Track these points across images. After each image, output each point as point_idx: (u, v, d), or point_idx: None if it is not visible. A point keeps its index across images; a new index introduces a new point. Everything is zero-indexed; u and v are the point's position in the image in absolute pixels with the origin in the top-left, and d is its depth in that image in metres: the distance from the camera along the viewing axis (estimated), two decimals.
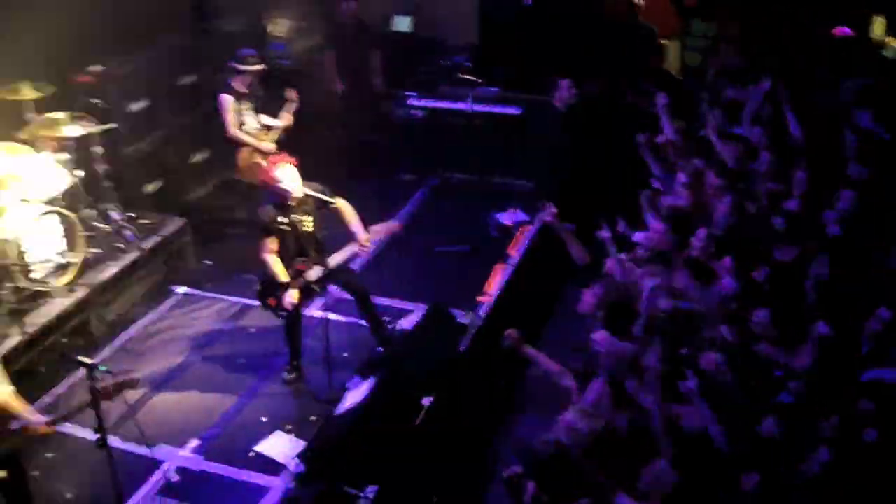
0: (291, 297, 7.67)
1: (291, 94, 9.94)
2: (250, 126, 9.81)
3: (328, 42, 11.80)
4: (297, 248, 7.80)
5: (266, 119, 9.94)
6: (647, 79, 11.12)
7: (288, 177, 7.61)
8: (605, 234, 7.26)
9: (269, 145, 9.82)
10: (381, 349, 8.08)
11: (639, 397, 5.37)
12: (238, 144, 9.80)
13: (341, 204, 7.91)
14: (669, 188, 7.87)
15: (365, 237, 7.78)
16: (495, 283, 8.77)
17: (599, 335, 5.81)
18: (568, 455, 5.13)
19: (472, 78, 10.32)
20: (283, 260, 7.75)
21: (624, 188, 8.42)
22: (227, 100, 9.60)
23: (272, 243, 7.69)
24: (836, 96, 8.87)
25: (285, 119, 9.92)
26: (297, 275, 7.76)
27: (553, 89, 9.52)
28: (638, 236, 7.37)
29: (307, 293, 7.90)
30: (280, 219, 7.64)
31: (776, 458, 4.89)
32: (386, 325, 8.58)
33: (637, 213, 7.68)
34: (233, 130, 9.69)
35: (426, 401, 6.93)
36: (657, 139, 8.45)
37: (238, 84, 9.66)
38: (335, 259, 7.80)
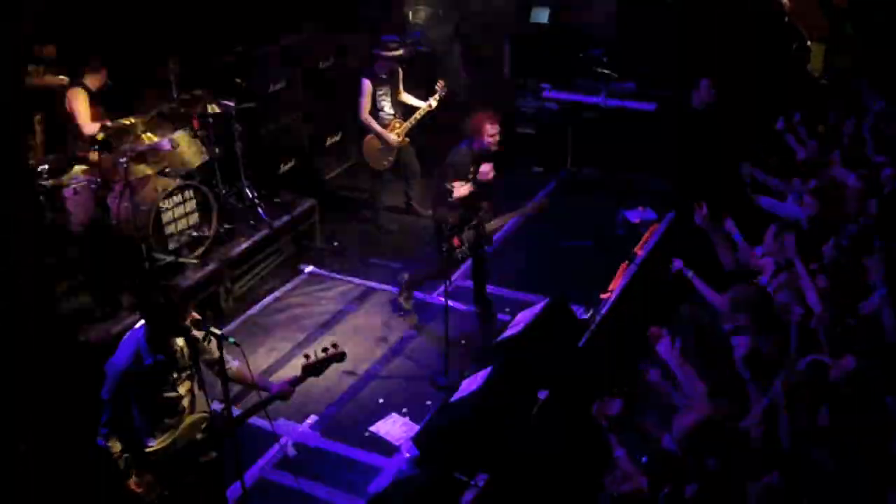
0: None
1: (440, 84, 9.91)
2: (387, 112, 9.93)
3: (455, 33, 11.84)
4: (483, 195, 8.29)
5: (408, 97, 10.03)
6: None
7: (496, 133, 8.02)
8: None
9: (394, 137, 9.91)
10: (499, 339, 8.10)
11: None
12: (366, 129, 9.92)
13: None
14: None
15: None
16: (619, 282, 8.67)
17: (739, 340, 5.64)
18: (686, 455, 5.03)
19: (607, 72, 10.18)
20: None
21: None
22: (367, 84, 9.75)
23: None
24: None
25: (424, 108, 9.94)
26: (478, 218, 8.21)
27: (692, 88, 9.32)
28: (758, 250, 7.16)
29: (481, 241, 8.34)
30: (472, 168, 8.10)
31: None
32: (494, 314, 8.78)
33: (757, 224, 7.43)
34: (364, 115, 9.83)
35: (542, 394, 6.90)
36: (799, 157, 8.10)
37: (378, 69, 9.79)
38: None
